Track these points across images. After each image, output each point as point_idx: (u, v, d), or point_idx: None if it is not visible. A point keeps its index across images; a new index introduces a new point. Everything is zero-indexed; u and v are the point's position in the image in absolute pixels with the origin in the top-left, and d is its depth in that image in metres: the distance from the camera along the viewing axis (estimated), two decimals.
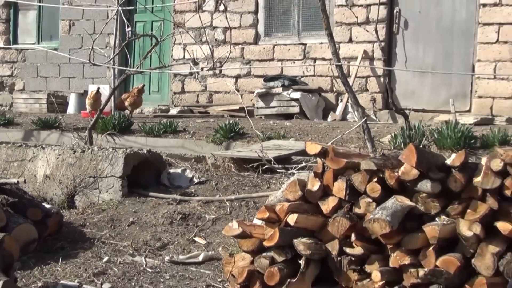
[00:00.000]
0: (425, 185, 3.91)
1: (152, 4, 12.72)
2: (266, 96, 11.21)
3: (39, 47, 13.74)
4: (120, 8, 9.11)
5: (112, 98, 9.75)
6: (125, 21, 8.70)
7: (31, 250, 4.88)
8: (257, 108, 11.24)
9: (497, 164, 3.78)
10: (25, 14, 14.68)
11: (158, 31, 10.72)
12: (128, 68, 9.66)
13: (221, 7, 11.80)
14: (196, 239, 5.22)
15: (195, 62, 10.11)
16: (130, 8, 11.49)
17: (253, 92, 11.46)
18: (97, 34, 10.14)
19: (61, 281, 4.36)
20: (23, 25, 14.71)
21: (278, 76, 11.37)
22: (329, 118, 10.71)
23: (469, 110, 10.35)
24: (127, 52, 11.50)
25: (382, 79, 9.45)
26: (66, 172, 6.37)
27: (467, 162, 3.96)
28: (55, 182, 6.37)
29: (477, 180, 3.85)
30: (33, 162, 6.67)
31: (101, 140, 8.55)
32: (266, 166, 6.49)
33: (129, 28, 9.27)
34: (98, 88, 10.72)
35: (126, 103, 10.58)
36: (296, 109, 10.92)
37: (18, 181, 5.35)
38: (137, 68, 9.91)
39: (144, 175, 6.53)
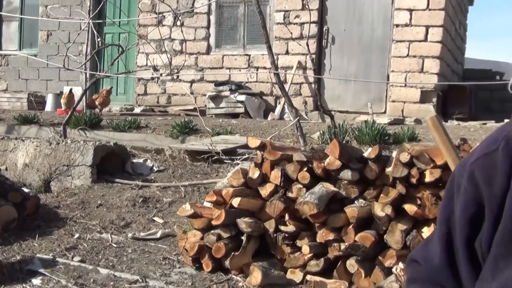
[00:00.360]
0: (346, 174, 3.98)
1: (119, 18, 12.55)
2: (216, 98, 11.19)
3: (20, 53, 13.50)
4: (90, 21, 8.98)
5: (84, 98, 9.62)
6: (95, 32, 8.58)
7: (12, 228, 4.80)
8: (209, 108, 11.21)
9: (405, 157, 3.87)
10: (8, 25, 14.39)
11: (124, 41, 10.64)
12: (98, 73, 9.58)
13: (179, 23, 11.75)
14: (155, 218, 5.20)
15: (155, 68, 10.02)
16: (99, 21, 11.32)
17: (205, 95, 11.43)
18: (71, 43, 9.96)
19: (37, 255, 4.30)
20: (6, 34, 14.42)
21: (226, 82, 11.37)
22: (269, 118, 10.76)
23: (384, 112, 10.51)
24: (97, 59, 11.46)
25: (313, 85, 9.54)
26: (43, 161, 6.27)
27: (381, 155, 4.04)
28: (33, 170, 6.27)
29: (389, 170, 3.94)
30: (14, 153, 6.54)
31: (74, 134, 8.44)
32: (215, 157, 6.51)
33: (99, 39, 9.23)
34: (71, 89, 10.60)
35: (96, 103, 10.43)
36: (241, 110, 10.94)
37: (0, 169, 5.25)
38: (105, 72, 9.84)
39: (111, 164, 6.47)
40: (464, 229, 1.22)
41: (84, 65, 9.20)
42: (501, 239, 1.15)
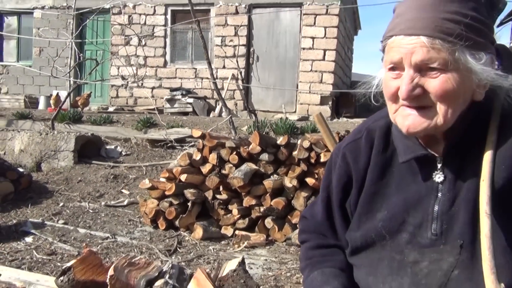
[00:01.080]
0: (264, 156, 4.00)
1: (97, 38, 12.11)
2: (171, 101, 10.96)
3: (18, 65, 12.82)
4: (72, 41, 8.60)
5: (68, 99, 9.24)
6: (76, 49, 8.23)
7: (9, 199, 4.57)
8: (165, 108, 10.97)
9: (306, 143, 3.91)
10: (8, 42, 13.60)
11: (99, 56, 10.29)
12: (79, 80, 9.17)
13: (142, 43, 11.47)
14: (123, 191, 5.05)
15: (123, 78, 9.73)
16: (80, 41, 10.90)
17: (163, 98, 11.18)
18: (58, 57, 9.56)
19: (30, 219, 4.09)
20: (7, 49, 13.64)
21: (179, 88, 11.17)
22: (211, 115, 10.64)
23: (295, 111, 10.61)
24: (79, 70, 11.04)
25: (243, 92, 9.53)
26: (35, 147, 5.96)
27: (289, 142, 4.07)
28: (27, 154, 5.95)
29: (295, 153, 3.98)
30: (12, 141, 6.18)
31: (60, 127, 8.06)
32: (169, 144, 6.39)
33: (80, 54, 8.93)
34: (58, 93, 10.18)
35: (79, 103, 10.02)
36: (190, 109, 10.76)
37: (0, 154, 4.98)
38: (85, 79, 9.46)
39: (89, 150, 6.24)
40: (338, 194, 1.23)
41: (68, 74, 8.80)
42: (363, 201, 1.17)
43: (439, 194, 1.07)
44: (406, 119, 1.03)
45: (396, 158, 1.15)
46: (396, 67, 1.02)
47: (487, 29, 0.99)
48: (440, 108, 1.00)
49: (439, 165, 1.09)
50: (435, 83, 0.98)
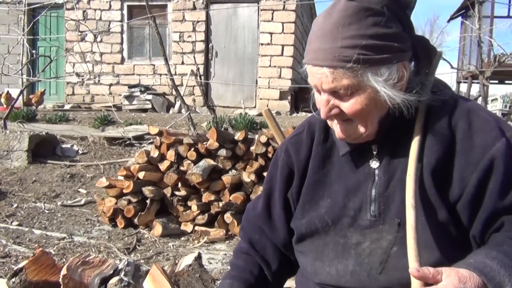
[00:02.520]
0: (222, 152, 4.02)
1: (50, 34, 11.73)
2: (129, 98, 10.78)
3: None
4: (24, 37, 8.31)
5: (21, 97, 8.94)
6: (28, 46, 7.96)
7: None
8: (124, 105, 10.78)
9: (263, 138, 3.96)
10: None
11: (53, 53, 10.00)
12: (31, 78, 8.88)
13: (98, 39, 11.21)
14: (80, 190, 4.96)
15: (78, 75, 9.45)
16: (32, 37, 10.55)
17: (121, 95, 10.98)
18: (9, 54, 9.21)
19: None
20: None
21: (137, 85, 10.99)
22: (170, 112, 10.54)
23: (255, 107, 10.64)
24: (31, 67, 10.64)
25: (202, 88, 9.45)
26: None
27: (247, 138, 4.11)
28: None
29: (253, 148, 4.03)
30: None
31: (13, 126, 7.76)
32: (128, 142, 6.30)
33: (34, 51, 8.63)
34: (8, 91, 9.79)
35: (33, 101, 9.70)
36: (149, 106, 10.63)
37: None
38: (38, 77, 9.18)
39: (44, 149, 6.08)
40: (280, 184, 1.29)
41: (20, 72, 8.50)
42: (306, 190, 1.23)
43: (376, 178, 1.15)
44: (336, 128, 1.15)
45: (336, 149, 1.22)
46: (317, 89, 1.12)
47: (393, 39, 1.03)
48: (358, 121, 1.10)
49: (374, 153, 1.17)
50: (346, 105, 1.07)
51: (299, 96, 11.34)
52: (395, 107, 1.10)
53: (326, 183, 1.21)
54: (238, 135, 4.07)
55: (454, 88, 13.61)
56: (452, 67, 6.86)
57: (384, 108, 1.10)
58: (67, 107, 11.20)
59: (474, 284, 0.90)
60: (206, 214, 3.96)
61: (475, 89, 11.90)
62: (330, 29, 1.03)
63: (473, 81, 11.10)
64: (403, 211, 1.06)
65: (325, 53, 1.03)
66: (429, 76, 1.16)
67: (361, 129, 1.11)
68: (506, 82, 13.47)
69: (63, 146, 6.40)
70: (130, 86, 11.00)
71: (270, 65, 10.48)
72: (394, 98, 1.06)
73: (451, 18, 13.50)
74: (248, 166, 4.01)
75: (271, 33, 10.41)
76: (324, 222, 1.18)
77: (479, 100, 8.36)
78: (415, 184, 1.05)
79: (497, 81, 13.04)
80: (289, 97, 10.59)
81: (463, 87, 13.22)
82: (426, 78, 1.14)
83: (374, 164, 1.16)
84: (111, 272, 1.87)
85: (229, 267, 1.39)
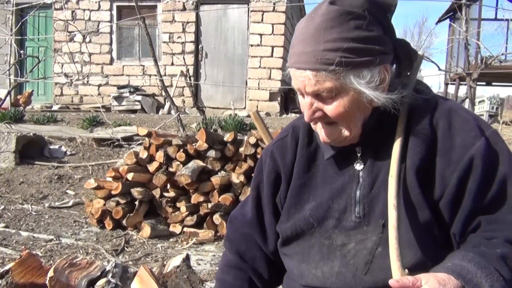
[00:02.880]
0: (212, 153, 4.02)
1: (38, 35, 11.62)
2: (119, 98, 10.73)
3: None
4: (12, 37, 8.24)
5: (8, 98, 8.84)
6: (16, 46, 7.88)
7: None
8: (113, 106, 10.72)
9: (252, 140, 3.97)
10: None
11: (41, 54, 9.91)
12: (19, 78, 8.81)
13: (87, 40, 11.13)
14: (68, 191, 4.93)
15: (66, 75, 9.38)
16: (20, 37, 10.46)
17: (110, 96, 10.92)
18: None
19: None
20: None
21: (126, 86, 10.94)
22: (160, 113, 10.50)
23: (245, 108, 10.63)
24: (19, 68, 10.55)
25: (192, 89, 9.43)
26: None
27: (236, 139, 4.11)
28: None
29: (242, 149, 4.03)
30: None
31: (1, 127, 7.68)
32: (116, 143, 6.28)
33: (22, 51, 8.55)
34: None
35: (20, 102, 9.59)
36: (139, 107, 10.58)
37: None
38: (26, 77, 9.09)
39: (32, 150, 6.03)
40: (268, 190, 1.29)
41: (8, 72, 8.42)
42: (292, 193, 1.23)
43: (360, 180, 1.16)
44: (320, 131, 1.16)
45: (320, 152, 1.23)
46: (300, 92, 1.13)
47: (374, 42, 1.04)
48: (342, 124, 1.11)
49: (358, 155, 1.18)
50: (329, 108, 1.08)
51: (289, 97, 11.36)
52: (379, 109, 1.11)
53: (312, 186, 1.22)
54: (227, 136, 4.07)
55: (442, 90, 13.74)
56: (439, 69, 6.90)
57: (367, 110, 1.11)
58: (55, 107, 11.11)
59: (453, 286, 0.91)
60: (195, 215, 3.96)
61: (463, 90, 12.02)
62: (313, 33, 1.04)
63: (461, 83, 11.21)
64: (387, 212, 1.07)
65: (308, 56, 1.04)
66: (411, 77, 1.17)
67: (345, 132, 1.11)
68: (493, 84, 13.61)
69: (51, 147, 6.35)
70: (119, 87, 10.95)
71: (260, 66, 10.49)
72: (378, 99, 1.07)
73: (439, 21, 13.62)
74: (237, 167, 4.01)
75: (261, 34, 10.42)
76: (309, 224, 1.19)
77: (467, 102, 8.45)
78: (397, 184, 1.06)
79: (484, 83, 13.17)
80: (279, 98, 10.61)
81: (451, 89, 13.35)
82: (408, 80, 1.15)
83: (359, 166, 1.17)
84: (99, 274, 1.86)
85: (216, 282, 1.37)
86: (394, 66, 1.13)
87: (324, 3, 1.07)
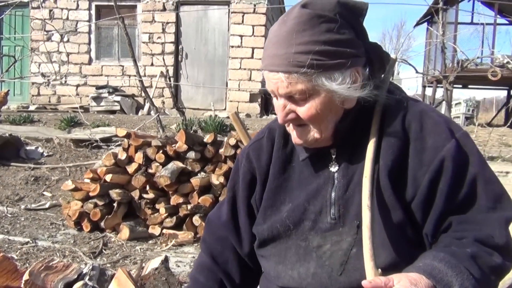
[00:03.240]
0: (191, 154, 4.01)
1: (15, 34, 11.42)
2: (97, 99, 10.61)
3: None
4: None
5: None
6: None
7: None
8: (91, 106, 10.60)
9: (232, 141, 3.97)
10: None
11: (18, 53, 9.74)
12: None
13: (65, 39, 10.98)
14: (44, 193, 4.86)
15: (43, 75, 9.22)
16: None
17: (88, 96, 10.80)
18: None
19: None
20: None
21: (105, 86, 10.83)
22: (139, 113, 10.42)
23: (225, 109, 10.63)
24: None
25: (172, 90, 9.37)
26: None
27: (216, 140, 4.11)
28: None
29: (222, 150, 4.03)
30: None
31: None
32: (95, 144, 6.21)
33: None
34: None
35: None
36: (118, 107, 10.48)
37: None
38: (1, 77, 8.91)
39: (7, 151, 5.92)
40: (244, 192, 1.30)
41: None
42: (268, 195, 1.24)
43: (336, 182, 1.18)
44: (292, 133, 1.18)
45: (296, 154, 1.24)
46: (274, 94, 1.15)
47: (345, 45, 1.06)
48: (314, 126, 1.12)
49: (333, 157, 1.19)
50: (301, 110, 1.10)
51: (269, 99, 11.37)
52: (352, 111, 1.13)
53: (287, 188, 1.23)
54: (207, 138, 4.06)
55: (419, 92, 13.95)
56: (417, 72, 7.03)
57: (339, 112, 1.13)
58: (32, 108, 10.92)
59: (425, 285, 0.94)
60: (174, 217, 3.93)
61: (440, 93, 12.22)
62: (285, 36, 1.06)
63: (438, 85, 11.41)
64: (361, 213, 1.09)
65: (280, 58, 1.06)
66: (385, 80, 1.20)
67: (316, 134, 1.13)
68: (469, 86, 13.89)
69: (28, 148, 6.24)
70: (98, 87, 10.83)
71: (240, 68, 10.50)
72: (351, 98, 1.10)
73: (417, 24, 13.84)
74: (217, 169, 4.00)
75: (241, 36, 10.44)
76: (286, 227, 1.20)
77: (443, 104, 8.60)
78: (371, 185, 1.08)
79: (460, 86, 13.43)
80: (259, 100, 10.64)
81: (429, 91, 13.57)
82: (382, 82, 1.18)
83: (333, 168, 1.19)
84: (76, 276, 1.84)
85: (190, 279, 1.38)
86: (367, 69, 1.14)
87: (296, 6, 1.09)
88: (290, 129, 1.17)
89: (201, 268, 1.37)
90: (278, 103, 1.13)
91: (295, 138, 1.17)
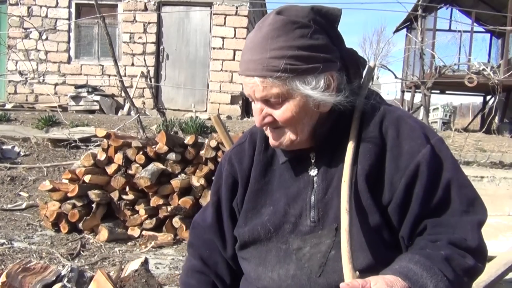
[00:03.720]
0: (172, 156, 4.00)
1: None
2: (76, 98, 10.47)
3: None
4: None
5: None
6: None
7: None
8: (70, 106, 10.45)
9: (213, 143, 3.98)
10: None
11: None
12: None
13: (44, 37, 10.80)
14: (21, 193, 4.78)
15: (21, 73, 9.06)
16: None
17: (67, 95, 10.65)
18: None
19: None
20: None
21: (84, 85, 10.70)
22: (119, 113, 10.32)
23: (206, 110, 10.62)
24: None
25: (152, 90, 9.31)
26: None
27: (197, 142, 4.11)
28: None
29: (203, 152, 4.04)
30: None
31: None
32: (73, 144, 6.13)
33: None
34: None
35: None
36: (97, 107, 10.37)
37: None
38: None
39: None
40: (226, 195, 1.32)
41: None
42: (249, 198, 1.27)
43: (315, 185, 1.20)
44: (269, 135, 1.20)
45: (277, 157, 1.27)
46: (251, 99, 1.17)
47: (319, 50, 1.10)
48: (290, 129, 1.15)
49: (312, 161, 1.22)
50: (277, 113, 1.13)
51: (250, 101, 11.40)
52: (331, 115, 1.16)
53: (268, 191, 1.25)
54: (188, 139, 4.06)
55: (398, 97, 14.16)
56: (396, 77, 7.15)
57: (315, 115, 1.16)
58: (8, 106, 10.71)
59: (401, 287, 0.97)
60: (154, 219, 3.92)
61: (418, 98, 12.43)
62: (260, 41, 1.09)
63: (416, 90, 11.61)
64: (340, 216, 1.11)
65: (255, 63, 1.09)
66: (363, 85, 1.23)
67: (292, 136, 1.16)
68: (447, 92, 14.17)
69: (4, 147, 6.13)
70: (77, 87, 10.70)
71: (221, 69, 10.50)
72: (325, 102, 1.13)
73: (397, 30, 14.07)
74: (197, 170, 4.01)
75: (223, 38, 10.45)
76: (266, 229, 1.22)
77: (421, 109, 8.75)
78: (349, 189, 1.11)
79: (438, 91, 13.69)
80: (240, 102, 10.65)
81: (407, 96, 13.78)
82: (359, 89, 1.21)
83: (313, 171, 1.21)
84: (54, 278, 1.83)
85: (181, 285, 1.39)
86: (345, 74, 1.17)
87: (272, 13, 1.12)
88: (268, 132, 1.20)
89: (191, 272, 1.38)
90: (255, 107, 1.16)
91: (271, 140, 1.19)
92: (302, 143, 1.17)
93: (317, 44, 1.09)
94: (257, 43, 1.10)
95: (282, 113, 1.12)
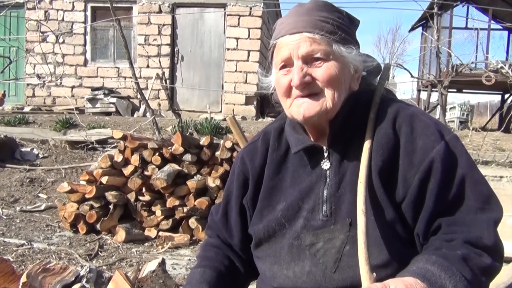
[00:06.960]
0: (188, 157, 4.03)
1: (10, 35, 11.38)
2: (93, 100, 10.60)
3: None
4: None
5: None
6: None
7: None
8: (87, 108, 10.59)
9: (228, 144, 3.99)
10: None
11: (13, 54, 9.71)
12: None
13: (60, 40, 10.95)
14: (40, 195, 4.85)
15: (39, 76, 9.20)
16: None
17: (83, 97, 10.78)
18: None
19: None
20: None
21: (101, 88, 10.83)
22: (135, 115, 10.41)
23: (221, 111, 10.66)
24: None
25: (167, 92, 9.37)
26: None
27: (212, 143, 4.13)
28: None
29: (218, 153, 4.05)
30: None
31: None
32: (90, 146, 6.20)
33: None
34: None
35: None
36: (113, 109, 10.48)
37: None
38: None
39: (2, 153, 5.91)
40: (237, 192, 1.34)
41: None
42: (263, 196, 1.28)
43: (328, 179, 1.21)
44: (300, 107, 1.18)
45: (290, 154, 1.28)
46: (286, 64, 1.18)
47: (353, 35, 1.21)
48: (328, 92, 1.16)
49: (325, 154, 1.23)
50: (321, 71, 1.15)
51: (265, 102, 11.42)
52: (348, 105, 1.20)
53: (282, 187, 1.26)
54: (203, 140, 4.08)
55: (414, 96, 14.01)
56: (412, 76, 7.08)
57: (347, 88, 1.20)
58: (27, 109, 10.90)
59: None
60: (171, 219, 3.95)
61: (435, 97, 12.29)
62: (305, 11, 1.18)
63: (433, 89, 11.48)
64: (353, 211, 1.12)
65: (305, 22, 1.16)
66: (380, 83, 1.27)
67: (329, 103, 1.16)
68: (464, 91, 13.99)
69: (23, 149, 6.24)
70: (94, 89, 10.83)
71: (236, 70, 10.52)
72: (360, 73, 1.21)
73: (412, 29, 13.93)
74: (213, 171, 4.03)
75: (237, 38, 10.47)
76: (281, 225, 1.23)
77: (438, 109, 8.66)
78: (365, 190, 1.11)
79: (455, 90, 13.52)
80: (255, 102, 10.66)
81: (424, 95, 13.65)
82: (377, 86, 1.27)
83: (326, 165, 1.22)
84: (73, 279, 1.85)
85: (197, 259, 1.40)
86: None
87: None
88: (299, 104, 1.18)
89: (209, 246, 1.41)
90: (295, 66, 1.16)
91: (304, 111, 1.17)
92: (333, 112, 1.18)
93: (351, 31, 1.21)
94: (303, 11, 1.18)
95: (326, 69, 1.15)
